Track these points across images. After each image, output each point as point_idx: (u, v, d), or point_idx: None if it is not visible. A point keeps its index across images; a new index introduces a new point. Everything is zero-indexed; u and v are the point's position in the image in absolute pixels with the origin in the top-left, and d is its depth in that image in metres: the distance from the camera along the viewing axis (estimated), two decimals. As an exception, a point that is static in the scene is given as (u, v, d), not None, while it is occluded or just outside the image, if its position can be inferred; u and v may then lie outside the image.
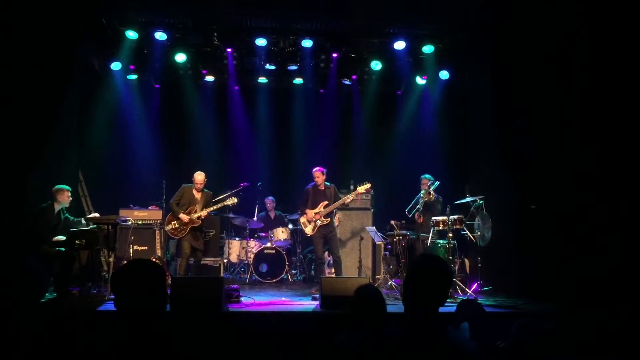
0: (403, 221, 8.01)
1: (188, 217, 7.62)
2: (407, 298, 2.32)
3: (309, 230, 7.77)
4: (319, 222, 7.66)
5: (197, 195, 7.78)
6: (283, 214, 9.83)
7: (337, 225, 8.05)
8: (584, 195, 6.23)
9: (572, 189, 6.45)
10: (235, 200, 8.05)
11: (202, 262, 8.25)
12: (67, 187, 7.06)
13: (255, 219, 9.56)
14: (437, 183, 7.60)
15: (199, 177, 7.76)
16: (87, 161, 9.17)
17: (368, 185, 7.73)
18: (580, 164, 6.32)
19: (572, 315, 5.35)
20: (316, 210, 7.71)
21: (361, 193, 7.79)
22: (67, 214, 7.15)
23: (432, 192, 7.63)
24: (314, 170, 7.83)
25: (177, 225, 7.67)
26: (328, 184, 7.77)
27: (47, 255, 6.70)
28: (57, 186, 6.98)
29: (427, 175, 7.88)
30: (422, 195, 7.58)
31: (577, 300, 5.76)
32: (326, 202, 7.70)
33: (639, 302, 5.04)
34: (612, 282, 5.54)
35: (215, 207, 7.84)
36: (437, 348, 2.16)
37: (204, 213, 7.68)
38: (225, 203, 7.97)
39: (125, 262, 2.38)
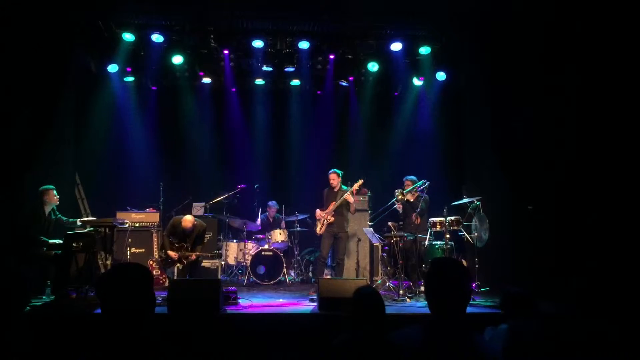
0: (400, 222, 8.01)
1: (176, 255, 7.66)
2: (432, 304, 2.26)
3: (318, 229, 7.88)
4: (325, 221, 7.75)
5: (187, 232, 7.81)
6: (281, 217, 9.82)
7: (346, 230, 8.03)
8: (581, 196, 6.25)
9: (569, 189, 6.46)
10: (218, 252, 8.52)
11: (200, 265, 8.24)
12: (52, 187, 6.97)
13: (258, 222, 9.57)
14: (427, 183, 7.59)
15: (187, 224, 7.74)
16: (84, 163, 9.16)
17: (361, 182, 7.77)
18: (577, 164, 6.33)
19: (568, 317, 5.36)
20: (326, 211, 7.79)
21: (357, 190, 7.80)
22: (59, 215, 7.11)
23: (412, 193, 7.69)
24: (329, 173, 7.91)
25: (165, 257, 7.72)
26: (345, 187, 7.78)
27: (44, 258, 6.67)
28: (42, 187, 6.92)
29: (411, 177, 7.88)
30: (396, 199, 7.62)
31: (574, 302, 5.77)
32: (334, 202, 7.75)
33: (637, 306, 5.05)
34: (609, 284, 5.55)
35: (201, 254, 7.91)
36: (457, 357, 2.10)
37: (192, 256, 7.71)
38: (211, 255, 8.39)
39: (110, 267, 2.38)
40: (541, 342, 2.84)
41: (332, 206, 7.74)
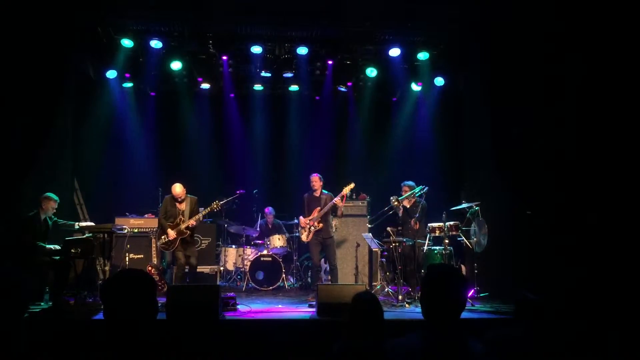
0: (399, 228, 8.01)
1: (174, 232, 7.46)
2: (427, 311, 2.26)
3: (304, 237, 7.82)
4: (312, 228, 7.69)
5: (180, 206, 7.59)
6: (280, 222, 9.81)
7: (335, 231, 8.04)
8: (579, 201, 6.25)
9: (568, 194, 6.46)
10: (219, 203, 7.78)
11: (198, 270, 8.20)
12: (56, 198, 6.95)
13: (257, 227, 9.56)
14: (426, 188, 7.57)
15: (176, 190, 7.53)
16: (82, 169, 9.15)
17: (352, 185, 7.73)
18: (577, 167, 6.33)
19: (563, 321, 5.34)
20: (310, 217, 7.73)
21: (347, 194, 7.77)
22: (55, 218, 7.09)
23: (409, 199, 7.69)
24: (310, 176, 7.85)
25: (167, 240, 7.50)
26: (326, 192, 7.77)
27: (42, 264, 6.66)
28: (47, 194, 6.92)
29: (409, 182, 7.88)
30: (392, 204, 7.63)
31: (570, 307, 5.75)
32: (319, 208, 7.71)
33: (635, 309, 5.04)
34: (606, 288, 5.54)
35: (202, 214, 7.67)
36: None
37: (191, 222, 7.49)
38: (210, 209, 7.74)
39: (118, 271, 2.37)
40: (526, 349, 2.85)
41: (316, 212, 7.68)
